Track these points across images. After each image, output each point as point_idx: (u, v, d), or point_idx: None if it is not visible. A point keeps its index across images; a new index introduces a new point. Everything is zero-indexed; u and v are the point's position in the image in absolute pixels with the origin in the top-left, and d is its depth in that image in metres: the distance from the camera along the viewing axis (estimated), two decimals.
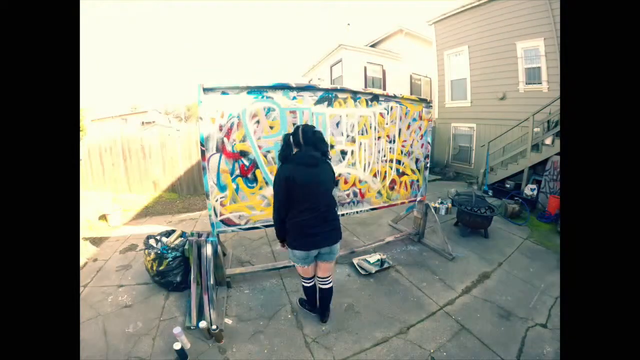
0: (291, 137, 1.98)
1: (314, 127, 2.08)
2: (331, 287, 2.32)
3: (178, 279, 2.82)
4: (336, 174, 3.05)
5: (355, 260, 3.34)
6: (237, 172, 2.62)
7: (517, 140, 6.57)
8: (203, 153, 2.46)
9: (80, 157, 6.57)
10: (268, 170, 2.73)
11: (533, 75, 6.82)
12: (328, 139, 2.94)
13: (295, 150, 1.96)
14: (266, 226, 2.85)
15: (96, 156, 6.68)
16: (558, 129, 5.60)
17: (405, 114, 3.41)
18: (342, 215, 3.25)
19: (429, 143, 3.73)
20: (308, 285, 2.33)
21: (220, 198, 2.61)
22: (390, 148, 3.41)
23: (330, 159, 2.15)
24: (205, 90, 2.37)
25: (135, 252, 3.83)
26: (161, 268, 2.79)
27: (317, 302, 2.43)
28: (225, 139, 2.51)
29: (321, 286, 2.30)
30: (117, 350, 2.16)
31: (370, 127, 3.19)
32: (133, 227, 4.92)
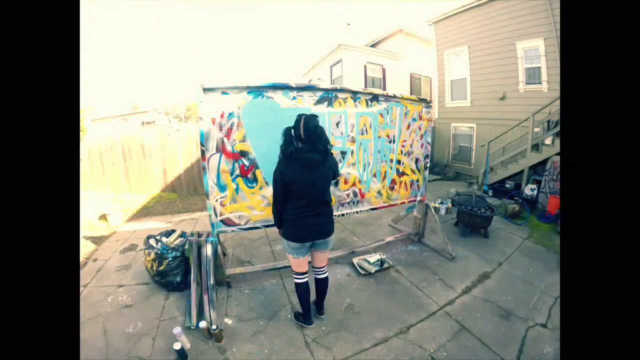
0: (292, 130, 1.94)
1: (316, 119, 1.96)
2: (327, 278, 2.37)
3: (178, 279, 2.82)
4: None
5: (355, 260, 3.34)
6: (237, 172, 2.62)
7: (517, 140, 6.56)
8: (203, 153, 2.46)
9: (80, 157, 6.57)
10: None
11: (533, 75, 6.82)
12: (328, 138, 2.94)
13: (297, 144, 1.94)
14: (266, 226, 2.85)
15: (96, 156, 6.68)
16: (558, 129, 5.60)
17: (405, 114, 3.40)
18: (342, 215, 3.25)
19: (428, 143, 3.73)
20: (301, 281, 2.27)
21: (220, 198, 2.61)
22: (391, 148, 3.41)
23: (331, 152, 2.09)
24: (205, 90, 2.37)
25: (135, 252, 3.83)
26: (161, 268, 2.79)
27: (311, 303, 2.43)
28: (225, 139, 2.51)
29: (317, 276, 2.35)
30: (117, 350, 2.16)
31: (370, 127, 3.19)
32: (133, 227, 4.92)
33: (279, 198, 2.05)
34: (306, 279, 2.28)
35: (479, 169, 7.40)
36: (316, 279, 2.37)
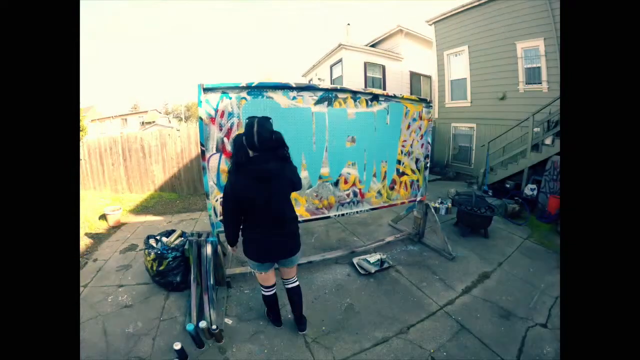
0: (244, 138, 1.67)
1: (270, 122, 1.69)
2: (298, 287, 2.19)
3: (178, 279, 2.82)
4: (337, 175, 3.06)
5: (355, 260, 3.34)
6: None
7: (517, 140, 6.56)
8: (203, 153, 2.46)
9: (80, 157, 6.57)
10: None
11: (533, 75, 6.82)
12: (328, 138, 2.94)
13: (250, 153, 1.66)
14: None
15: (96, 156, 6.68)
16: (558, 129, 5.60)
17: (405, 114, 3.40)
18: (342, 215, 3.25)
19: (429, 143, 3.73)
20: (268, 294, 2.16)
21: (220, 198, 2.60)
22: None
23: (289, 160, 1.81)
24: (205, 90, 2.37)
25: (135, 252, 3.82)
26: (161, 268, 2.79)
27: (286, 312, 2.36)
28: (225, 139, 2.51)
29: (287, 286, 2.18)
30: (117, 350, 2.16)
31: (371, 126, 3.18)
32: (133, 227, 4.92)
33: (230, 218, 1.84)
34: (274, 291, 2.20)
35: (479, 169, 7.40)
36: (287, 289, 2.19)
